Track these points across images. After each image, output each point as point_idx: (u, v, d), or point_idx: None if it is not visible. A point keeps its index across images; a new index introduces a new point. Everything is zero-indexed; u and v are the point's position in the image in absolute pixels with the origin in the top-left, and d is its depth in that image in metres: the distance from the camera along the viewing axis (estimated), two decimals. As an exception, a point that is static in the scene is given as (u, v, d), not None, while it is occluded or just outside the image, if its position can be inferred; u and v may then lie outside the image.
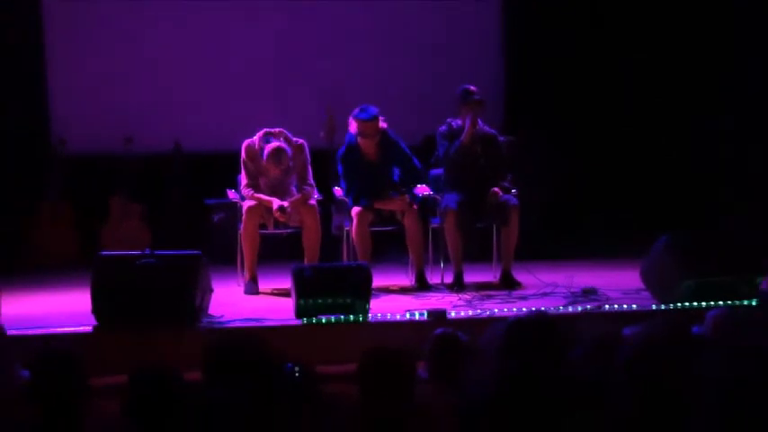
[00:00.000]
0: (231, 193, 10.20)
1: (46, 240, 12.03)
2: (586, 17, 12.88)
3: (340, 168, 10.05)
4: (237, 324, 8.19)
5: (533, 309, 8.32)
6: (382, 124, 10.01)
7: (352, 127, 9.98)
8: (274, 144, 9.77)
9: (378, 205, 9.95)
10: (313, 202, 9.89)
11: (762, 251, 9.11)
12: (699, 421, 3.55)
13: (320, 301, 8.47)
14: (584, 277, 9.81)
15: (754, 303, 8.61)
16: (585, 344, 5.84)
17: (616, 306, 8.68)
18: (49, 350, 4.89)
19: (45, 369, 4.80)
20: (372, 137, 9.93)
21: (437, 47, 12.85)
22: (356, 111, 9.94)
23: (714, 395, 3.51)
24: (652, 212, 12.11)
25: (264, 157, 9.75)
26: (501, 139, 10.36)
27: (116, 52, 12.51)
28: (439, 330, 5.81)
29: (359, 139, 9.95)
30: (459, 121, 10.09)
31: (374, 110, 9.92)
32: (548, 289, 9.61)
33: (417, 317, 8.34)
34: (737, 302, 8.55)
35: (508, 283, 9.86)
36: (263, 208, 9.76)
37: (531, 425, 3.95)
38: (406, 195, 9.95)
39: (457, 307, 8.83)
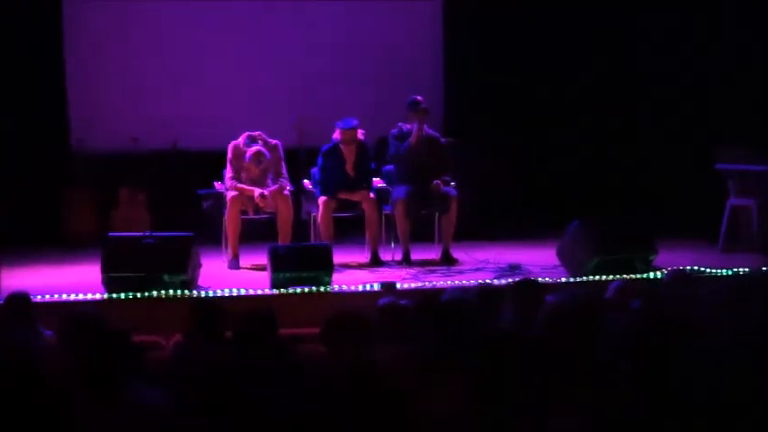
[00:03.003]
0: (218, 185, 10.19)
1: (68, 222, 11.94)
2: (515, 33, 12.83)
3: (320, 160, 10.03)
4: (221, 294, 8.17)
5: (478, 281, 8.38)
6: (360, 136, 9.99)
7: (336, 133, 9.95)
8: (255, 148, 9.78)
9: (342, 196, 9.93)
10: (287, 192, 9.87)
11: (653, 234, 9.16)
12: (602, 365, 3.60)
13: (292, 274, 8.47)
14: (510, 255, 9.85)
15: (647, 276, 8.66)
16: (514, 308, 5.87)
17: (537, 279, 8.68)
18: (76, 313, 4.87)
19: (72, 327, 4.78)
20: (350, 143, 9.91)
21: (391, 60, 12.77)
22: (339, 121, 9.93)
23: (612, 345, 3.55)
24: (565, 201, 12.09)
25: (247, 159, 9.75)
26: (443, 140, 10.36)
27: (123, 63, 12.39)
28: (382, 300, 5.80)
29: (341, 144, 9.92)
30: (408, 126, 10.07)
31: (354, 121, 9.91)
32: (480, 265, 9.63)
33: (372, 287, 8.34)
34: (635, 275, 8.59)
35: (448, 260, 9.86)
36: (245, 197, 9.74)
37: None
38: (366, 189, 9.96)
39: (405, 280, 8.86)
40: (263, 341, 4.95)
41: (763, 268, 8.42)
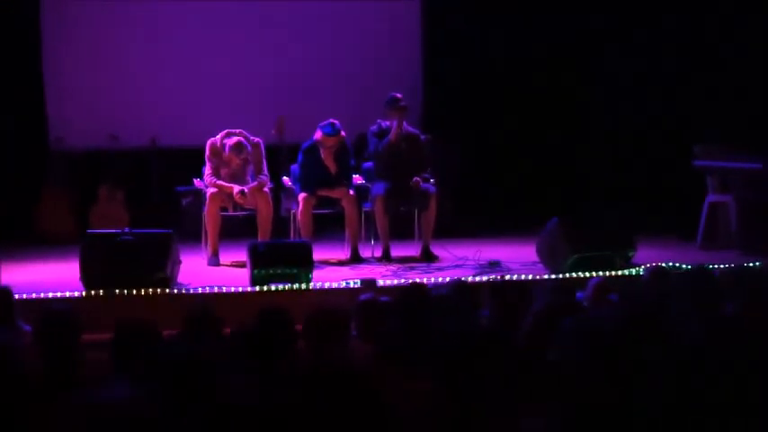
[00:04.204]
0: (197, 182, 10.22)
1: (46, 221, 11.95)
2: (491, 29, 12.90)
3: (300, 157, 10.06)
4: (202, 291, 8.20)
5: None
6: (342, 134, 10.03)
7: (317, 134, 9.98)
8: (235, 139, 9.82)
9: (322, 193, 9.97)
10: (266, 189, 9.91)
11: (632, 231, 9.22)
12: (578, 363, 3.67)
13: (271, 271, 8.50)
14: (489, 252, 9.88)
15: (626, 273, 8.72)
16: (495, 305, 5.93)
17: (515, 276, 8.73)
18: (51, 309, 4.90)
19: (48, 324, 4.81)
20: (332, 147, 9.95)
21: (370, 57, 12.82)
22: (324, 123, 9.94)
23: (587, 343, 3.61)
24: (544, 197, 12.17)
25: (227, 150, 9.80)
26: (422, 137, 10.40)
27: (102, 61, 12.41)
28: (363, 296, 5.85)
29: (321, 147, 9.96)
30: (388, 122, 10.12)
31: (338, 126, 9.93)
32: (460, 262, 9.69)
33: (352, 284, 8.38)
34: (613, 272, 8.65)
35: (427, 257, 9.92)
36: (224, 194, 9.78)
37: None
38: (346, 186, 10.00)
39: (385, 276, 8.89)
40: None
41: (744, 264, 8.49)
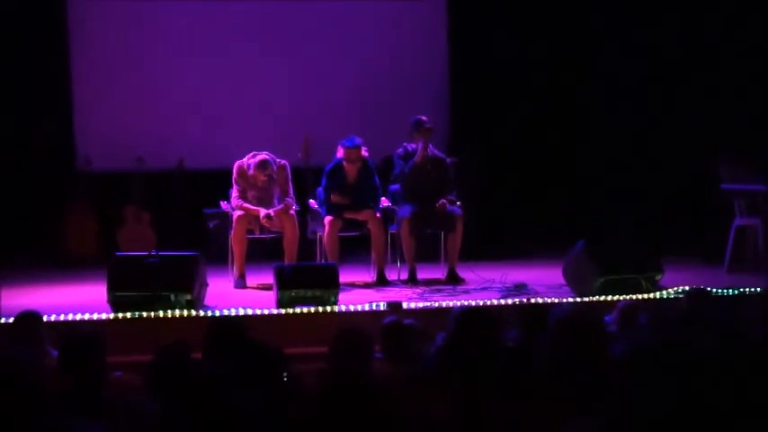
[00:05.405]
0: (224, 204, 10.28)
1: (71, 241, 12.05)
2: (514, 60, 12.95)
3: (324, 181, 10.12)
4: (229, 313, 8.25)
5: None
6: (364, 153, 10.10)
7: (340, 152, 10.06)
8: (260, 157, 9.88)
9: (348, 215, 10.02)
10: (292, 212, 9.96)
11: (659, 253, 9.21)
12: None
13: (298, 293, 8.54)
14: (516, 275, 9.89)
15: (654, 296, 8.71)
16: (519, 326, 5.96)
17: (541, 300, 8.73)
18: (77, 332, 4.95)
19: (74, 347, 4.86)
20: (355, 162, 10.01)
21: (396, 79, 12.89)
22: (344, 140, 10.03)
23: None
24: (570, 220, 12.19)
25: (252, 168, 9.86)
26: (448, 160, 10.45)
27: (129, 86, 12.52)
28: (388, 319, 5.89)
29: (344, 163, 10.03)
30: (413, 145, 10.18)
31: (358, 140, 10.01)
32: (486, 284, 9.69)
33: (378, 307, 8.40)
34: (641, 296, 8.64)
35: (453, 280, 9.95)
36: (251, 216, 9.84)
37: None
38: (372, 208, 10.04)
39: (411, 299, 8.89)
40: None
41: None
